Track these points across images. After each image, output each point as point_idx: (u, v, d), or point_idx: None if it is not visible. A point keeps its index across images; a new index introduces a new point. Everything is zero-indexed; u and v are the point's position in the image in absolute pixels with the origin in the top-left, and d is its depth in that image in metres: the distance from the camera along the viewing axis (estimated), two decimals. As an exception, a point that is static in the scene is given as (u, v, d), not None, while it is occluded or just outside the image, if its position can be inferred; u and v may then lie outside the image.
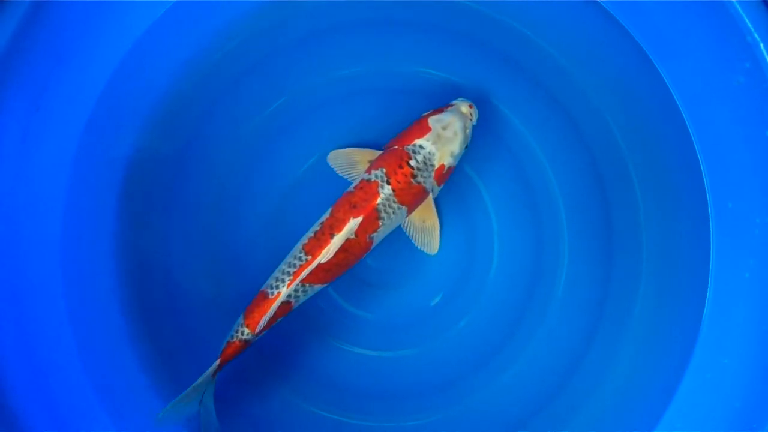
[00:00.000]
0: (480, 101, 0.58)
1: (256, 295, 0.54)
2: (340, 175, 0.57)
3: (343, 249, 0.53)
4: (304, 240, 0.53)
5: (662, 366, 0.53)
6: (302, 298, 0.54)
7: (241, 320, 0.53)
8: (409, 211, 0.55)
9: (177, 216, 0.59)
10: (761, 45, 0.47)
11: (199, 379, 0.51)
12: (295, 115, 0.60)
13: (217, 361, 0.52)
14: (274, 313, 0.53)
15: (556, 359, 0.58)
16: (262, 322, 0.52)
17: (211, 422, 0.53)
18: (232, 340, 0.53)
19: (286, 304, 0.53)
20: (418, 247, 0.58)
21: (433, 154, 0.53)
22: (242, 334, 0.53)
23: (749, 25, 0.47)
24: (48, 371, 0.52)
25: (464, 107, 0.55)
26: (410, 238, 0.57)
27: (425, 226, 0.57)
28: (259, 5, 0.56)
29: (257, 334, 0.53)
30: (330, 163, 0.58)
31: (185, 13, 0.54)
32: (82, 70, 0.53)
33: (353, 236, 0.52)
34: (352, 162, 0.57)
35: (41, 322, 0.53)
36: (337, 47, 0.58)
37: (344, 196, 0.54)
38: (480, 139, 0.59)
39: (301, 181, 0.60)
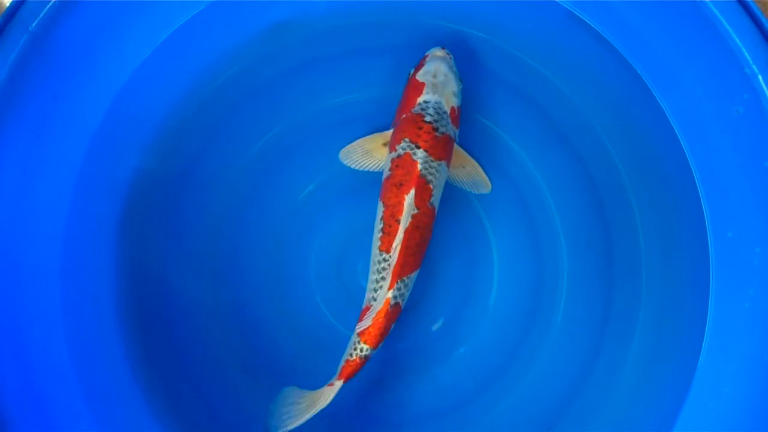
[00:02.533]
0: (477, 124, 0.59)
1: (362, 311, 0.53)
2: (359, 169, 0.57)
3: (414, 226, 0.52)
4: (377, 243, 0.53)
5: (662, 394, 0.53)
6: (406, 294, 0.53)
7: (356, 339, 0.53)
8: (448, 164, 0.55)
9: (177, 241, 0.59)
10: (759, 77, 0.47)
11: (324, 404, 0.51)
12: (293, 142, 0.60)
13: (341, 382, 0.52)
14: (388, 321, 0.52)
15: (557, 384, 0.58)
16: (380, 336, 0.52)
17: None
18: (352, 360, 0.53)
19: (395, 307, 0.53)
20: (476, 193, 0.59)
21: (440, 102, 0.54)
22: (362, 351, 0.53)
23: (747, 57, 0.47)
24: (46, 395, 0.52)
25: (439, 52, 0.55)
26: (463, 188, 0.58)
27: (467, 170, 0.58)
28: (256, 34, 0.56)
29: (375, 348, 0.53)
30: (345, 162, 0.58)
31: (184, 42, 0.54)
32: (82, 99, 0.53)
33: (416, 210, 0.52)
34: (366, 152, 0.57)
35: (40, 347, 0.53)
36: (333, 75, 0.59)
37: (385, 183, 0.54)
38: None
39: (300, 207, 0.61)
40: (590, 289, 0.58)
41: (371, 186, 0.57)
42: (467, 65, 0.59)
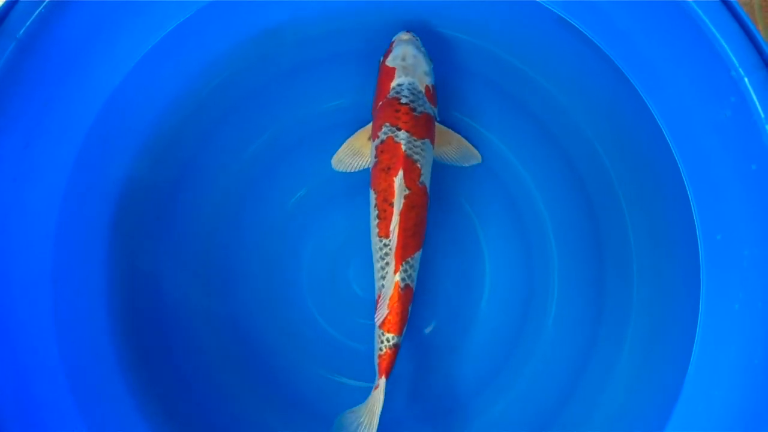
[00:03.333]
0: (466, 127, 0.59)
1: (377, 304, 0.53)
2: (354, 171, 0.57)
3: (408, 207, 0.52)
4: (375, 230, 0.53)
5: (654, 397, 0.53)
6: (414, 275, 0.53)
7: (379, 332, 0.53)
8: (432, 142, 0.55)
9: (168, 245, 0.59)
10: (746, 80, 0.47)
11: (379, 406, 0.52)
12: (285, 146, 0.60)
13: (383, 379, 0.52)
14: (403, 305, 0.53)
15: (549, 387, 0.58)
16: (400, 323, 0.53)
17: None
18: (383, 353, 0.53)
19: (406, 290, 0.53)
20: (467, 166, 0.58)
21: (413, 82, 0.54)
22: (389, 341, 0.53)
23: (734, 60, 0.47)
24: (37, 400, 0.52)
25: (404, 36, 0.56)
26: (454, 164, 0.58)
27: (453, 146, 0.58)
28: (248, 38, 0.56)
29: (401, 334, 0.53)
30: (338, 168, 0.58)
31: (173, 48, 0.54)
32: (73, 104, 0.53)
33: (407, 191, 0.52)
34: (355, 151, 0.57)
35: (31, 352, 0.52)
36: (322, 80, 0.59)
37: (373, 171, 0.54)
38: (471, 170, 0.59)
39: (292, 212, 0.61)
40: (581, 292, 0.58)
41: (363, 189, 0.57)
42: (458, 69, 0.59)
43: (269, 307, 0.60)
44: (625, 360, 0.55)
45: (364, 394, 0.59)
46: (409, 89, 0.54)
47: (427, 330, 0.60)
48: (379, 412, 0.52)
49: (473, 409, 0.59)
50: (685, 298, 0.52)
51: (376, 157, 0.54)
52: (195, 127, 0.58)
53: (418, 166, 0.53)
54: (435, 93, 0.56)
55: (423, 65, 0.55)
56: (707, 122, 0.50)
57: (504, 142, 0.60)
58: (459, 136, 0.58)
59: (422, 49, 0.55)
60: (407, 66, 0.54)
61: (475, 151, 0.59)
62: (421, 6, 0.57)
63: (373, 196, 0.54)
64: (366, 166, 0.57)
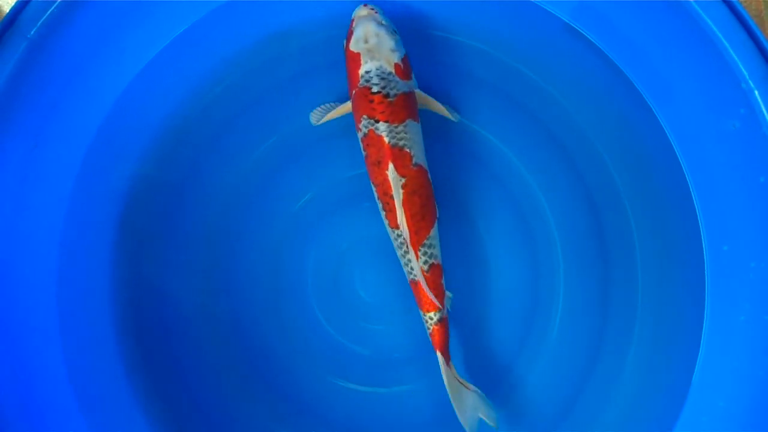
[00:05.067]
0: (476, 135, 0.59)
1: (412, 289, 0.55)
2: (325, 121, 0.57)
3: (409, 193, 0.52)
4: (386, 221, 0.54)
5: (657, 408, 0.53)
6: (436, 251, 0.54)
7: (421, 314, 0.55)
8: (416, 118, 0.54)
9: (173, 248, 0.59)
10: (756, 92, 0.47)
11: (449, 381, 0.54)
12: (291, 151, 0.60)
13: (439, 354, 0.54)
14: (434, 283, 0.54)
15: (552, 397, 0.58)
16: (436, 297, 0.54)
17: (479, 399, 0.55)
18: (431, 330, 0.54)
19: (435, 267, 0.54)
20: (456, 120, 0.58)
21: (381, 67, 0.52)
22: (433, 317, 0.54)
23: (744, 72, 0.47)
24: (41, 402, 0.52)
25: (362, 11, 0.53)
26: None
27: (437, 108, 0.56)
28: (255, 43, 0.56)
29: (442, 308, 0.54)
30: (313, 121, 0.57)
31: (181, 52, 0.54)
32: (81, 105, 0.53)
33: (403, 179, 0.52)
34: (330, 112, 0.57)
35: (36, 354, 0.53)
36: (328, 85, 0.59)
37: (366, 164, 0.54)
38: (476, 177, 0.59)
39: (297, 217, 0.61)
40: (586, 300, 0.58)
41: (369, 194, 0.57)
42: (463, 74, 0.59)
43: (274, 310, 0.60)
44: (629, 369, 0.55)
45: (369, 398, 0.59)
46: (378, 75, 0.52)
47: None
48: (450, 386, 0.54)
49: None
50: (690, 309, 0.52)
51: (364, 150, 0.54)
52: (201, 130, 0.58)
53: (407, 150, 0.52)
54: (408, 64, 0.53)
55: (387, 42, 0.52)
56: (716, 133, 0.50)
57: (510, 148, 0.60)
58: (436, 102, 0.56)
59: (384, 21, 0.53)
60: (371, 48, 0.52)
61: (451, 114, 0.57)
62: (427, 11, 0.57)
63: (374, 190, 0.54)
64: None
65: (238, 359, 0.59)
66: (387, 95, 0.52)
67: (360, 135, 0.54)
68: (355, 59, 0.53)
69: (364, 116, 0.52)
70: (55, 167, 0.53)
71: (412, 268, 0.53)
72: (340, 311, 0.60)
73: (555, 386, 0.58)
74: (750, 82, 0.47)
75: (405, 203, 0.52)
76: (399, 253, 0.54)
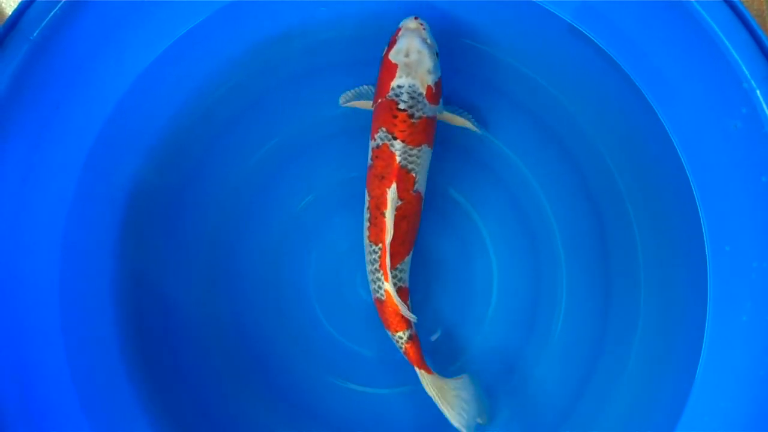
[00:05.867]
0: (478, 136, 0.59)
1: (376, 307, 0.55)
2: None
3: (400, 217, 0.52)
4: (366, 233, 0.54)
5: (659, 409, 0.53)
6: (406, 276, 0.54)
7: (390, 334, 0.54)
8: (431, 145, 0.54)
9: (175, 250, 0.59)
10: (758, 92, 0.47)
11: (435, 393, 0.53)
12: (292, 152, 0.60)
13: (419, 371, 0.54)
14: (403, 304, 0.53)
15: (554, 398, 0.58)
16: (403, 319, 0.53)
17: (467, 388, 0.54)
18: (404, 349, 0.54)
19: (402, 290, 0.54)
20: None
21: (414, 85, 0.51)
22: (403, 336, 0.54)
23: (746, 72, 0.47)
24: (43, 402, 0.52)
25: (411, 24, 0.52)
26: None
27: (462, 123, 0.56)
28: (256, 45, 0.56)
29: (410, 327, 0.54)
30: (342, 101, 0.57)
31: (183, 54, 0.54)
32: (83, 107, 0.53)
33: (400, 202, 0.52)
34: (354, 102, 0.56)
35: (38, 355, 0.53)
36: (330, 86, 0.59)
37: (369, 171, 0.54)
38: (480, 178, 0.59)
39: (299, 218, 0.61)
40: (588, 301, 0.58)
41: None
42: (466, 76, 0.59)
43: (275, 310, 0.60)
44: (630, 372, 0.55)
45: (371, 399, 0.59)
46: (408, 93, 0.51)
47: (434, 337, 0.60)
48: (434, 396, 0.53)
49: (480, 416, 0.59)
50: (692, 309, 0.52)
51: (371, 159, 0.54)
52: (203, 131, 0.58)
53: (413, 175, 0.52)
54: (440, 88, 0.53)
55: (427, 62, 0.51)
56: (718, 133, 0.50)
57: (513, 150, 0.60)
58: (461, 119, 0.56)
59: (429, 40, 0.52)
60: (410, 63, 0.51)
61: (476, 127, 0.57)
62: (431, 13, 0.57)
63: (367, 197, 0.54)
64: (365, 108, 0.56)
65: (239, 359, 0.59)
66: (411, 115, 0.51)
67: (372, 144, 0.53)
68: (390, 69, 0.52)
69: (383, 128, 0.52)
70: (58, 168, 0.53)
71: (379, 287, 0.53)
72: (342, 312, 0.60)
73: (557, 385, 0.58)
74: (752, 81, 0.47)
75: (394, 225, 0.52)
76: (369, 267, 0.54)
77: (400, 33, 0.52)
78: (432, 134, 0.54)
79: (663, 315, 0.55)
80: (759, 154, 0.49)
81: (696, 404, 0.51)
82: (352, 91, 0.56)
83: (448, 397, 0.53)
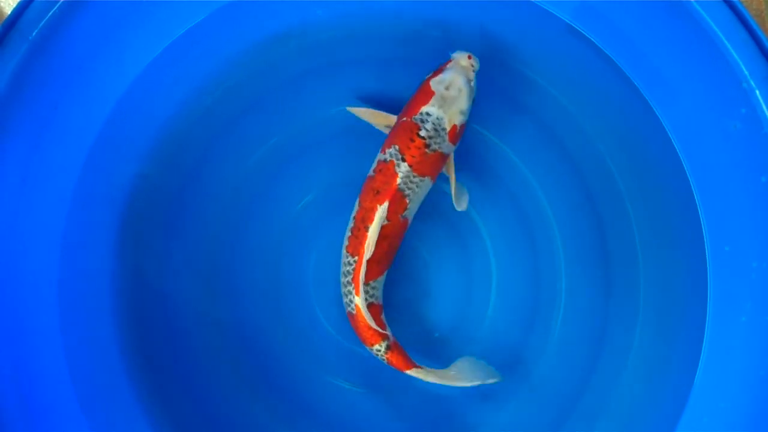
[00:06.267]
0: (477, 136, 0.59)
1: (350, 322, 0.55)
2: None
3: (382, 236, 0.52)
4: (346, 242, 0.54)
5: (659, 409, 0.53)
6: (378, 293, 0.54)
7: (369, 349, 0.55)
8: (433, 179, 0.54)
9: (175, 250, 0.59)
10: (757, 92, 0.47)
11: (437, 380, 0.54)
12: (291, 152, 0.60)
13: (411, 372, 0.54)
14: (372, 318, 0.53)
15: (554, 397, 0.58)
16: (377, 332, 0.53)
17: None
18: (386, 360, 0.54)
19: (374, 306, 0.54)
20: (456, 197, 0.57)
21: (442, 119, 0.51)
22: (381, 348, 0.54)
23: (745, 72, 0.47)
24: (42, 403, 0.52)
25: (463, 60, 0.53)
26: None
27: (451, 179, 0.56)
28: (255, 44, 0.56)
29: (386, 337, 0.54)
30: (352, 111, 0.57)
31: (182, 53, 0.54)
32: (82, 107, 0.53)
33: (386, 222, 0.52)
34: (369, 119, 0.56)
35: (37, 355, 0.53)
36: (330, 86, 0.59)
37: (367, 181, 0.54)
38: (479, 178, 0.59)
39: (298, 217, 0.61)
40: (588, 300, 0.58)
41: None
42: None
43: (275, 310, 0.60)
44: (630, 372, 0.55)
45: (370, 399, 0.59)
46: (434, 124, 0.51)
47: (436, 335, 0.60)
48: (451, 381, 0.54)
49: (482, 414, 0.59)
50: (692, 309, 0.52)
51: (374, 171, 0.54)
52: (203, 131, 0.58)
53: (407, 201, 0.53)
54: (462, 131, 0.53)
55: (462, 102, 0.52)
56: (717, 133, 0.50)
57: (512, 149, 0.60)
58: (454, 178, 0.56)
59: (473, 82, 0.52)
60: (447, 97, 0.51)
61: (458, 201, 0.57)
62: (430, 13, 0.57)
63: (356, 206, 0.54)
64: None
65: (238, 359, 0.59)
66: (428, 145, 0.52)
67: (380, 156, 0.53)
68: (426, 94, 0.52)
69: (396, 146, 0.52)
70: (57, 168, 0.53)
71: (351, 300, 0.53)
72: (342, 312, 0.60)
73: (557, 385, 0.58)
74: (751, 81, 0.47)
75: (378, 243, 0.52)
76: (342, 279, 0.54)
77: (449, 65, 0.53)
78: (438, 170, 0.54)
79: (662, 315, 0.55)
80: (758, 155, 0.49)
81: (696, 404, 0.51)
82: (364, 108, 0.57)
83: (451, 378, 0.54)
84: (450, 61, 0.53)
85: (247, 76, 0.57)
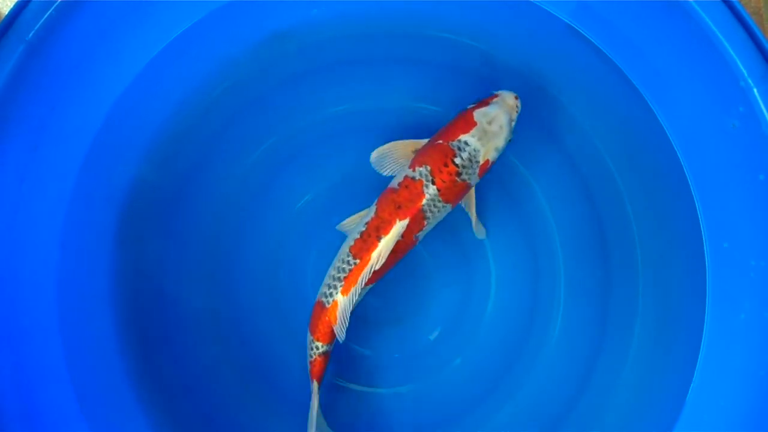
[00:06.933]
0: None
1: (314, 306, 0.54)
2: (384, 175, 0.55)
3: (393, 251, 0.52)
4: (350, 242, 0.53)
5: (658, 406, 0.53)
6: (358, 300, 0.54)
7: (310, 338, 0.54)
8: (453, 206, 0.54)
9: (174, 250, 0.59)
10: (755, 90, 0.47)
11: (312, 413, 0.54)
12: (291, 151, 0.60)
13: (314, 384, 0.54)
14: (340, 321, 0.53)
15: (553, 398, 0.58)
16: (332, 333, 0.53)
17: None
18: (312, 359, 0.54)
19: (346, 309, 0.53)
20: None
21: (478, 151, 0.52)
22: (318, 349, 0.54)
23: (743, 70, 0.47)
24: (41, 403, 0.52)
25: (510, 99, 0.53)
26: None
27: (471, 212, 0.56)
28: (253, 44, 0.56)
29: (330, 343, 0.54)
30: (374, 166, 0.55)
31: (180, 53, 0.54)
32: (80, 108, 0.53)
33: (401, 239, 0.52)
34: (394, 158, 0.55)
35: (36, 356, 0.52)
36: (329, 85, 0.59)
37: (388, 192, 0.53)
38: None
39: (297, 217, 0.61)
40: (587, 299, 0.59)
41: (369, 195, 0.57)
42: (464, 75, 0.59)
43: (274, 310, 0.60)
44: (629, 370, 0.56)
45: (370, 398, 0.59)
46: (470, 155, 0.52)
47: (432, 336, 0.60)
48: (315, 415, 0.53)
49: (479, 415, 0.59)
50: (691, 307, 0.52)
51: (399, 184, 0.53)
52: (202, 131, 0.58)
53: (425, 222, 0.53)
54: (490, 168, 0.54)
55: (501, 140, 0.52)
56: (715, 132, 0.50)
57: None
58: (474, 210, 0.56)
59: (513, 123, 0.53)
60: (488, 131, 0.52)
61: (481, 229, 0.58)
62: (429, 12, 0.57)
63: (372, 210, 0.53)
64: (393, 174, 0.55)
65: (237, 357, 0.59)
66: (459, 174, 0.52)
67: (408, 172, 0.53)
68: (468, 123, 0.52)
69: (428, 166, 0.52)
70: (55, 169, 0.53)
71: (331, 294, 0.53)
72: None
73: (556, 384, 0.58)
74: (749, 80, 0.47)
75: (384, 253, 0.52)
76: (331, 271, 0.53)
77: (495, 99, 0.53)
78: (460, 200, 0.54)
79: (661, 313, 0.55)
80: (756, 153, 0.49)
81: (695, 402, 0.51)
82: (388, 144, 0.55)
83: (313, 413, 0.54)
84: (496, 96, 0.54)
85: (245, 75, 0.57)
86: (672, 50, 0.50)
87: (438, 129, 0.59)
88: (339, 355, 0.60)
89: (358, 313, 0.60)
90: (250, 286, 0.60)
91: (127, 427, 0.54)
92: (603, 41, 0.52)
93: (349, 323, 0.59)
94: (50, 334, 0.53)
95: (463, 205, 0.56)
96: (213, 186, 0.59)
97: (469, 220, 0.59)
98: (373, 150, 0.55)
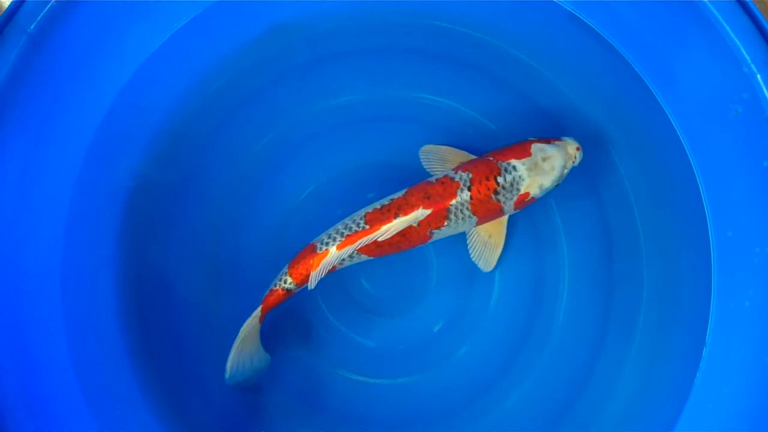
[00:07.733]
0: (479, 125, 0.58)
1: (304, 247, 0.54)
2: (426, 168, 0.57)
3: (401, 232, 0.52)
4: (369, 209, 0.53)
5: (663, 395, 0.53)
6: (347, 263, 0.54)
7: (285, 269, 0.54)
8: (479, 222, 0.55)
9: (177, 244, 0.59)
10: (758, 76, 0.47)
11: (244, 329, 0.53)
12: (294, 143, 0.60)
13: (259, 309, 0.54)
14: (319, 271, 0.53)
15: (557, 387, 0.58)
16: (306, 277, 0.53)
17: (262, 359, 0.55)
18: (275, 288, 0.54)
19: (333, 267, 0.53)
20: (472, 259, 0.58)
21: (523, 179, 0.53)
22: (285, 282, 0.54)
23: (746, 56, 0.47)
24: (47, 398, 0.52)
25: (571, 147, 0.54)
26: (468, 246, 0.57)
27: (489, 241, 0.57)
28: (254, 37, 0.56)
29: (300, 285, 0.54)
30: (420, 157, 0.57)
31: (183, 46, 0.54)
32: (82, 101, 0.53)
33: (415, 224, 0.52)
34: (443, 159, 0.57)
35: (41, 352, 0.52)
36: (334, 75, 0.59)
37: (423, 183, 0.54)
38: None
39: (300, 209, 0.61)
40: (591, 289, 0.58)
41: (373, 186, 0.58)
42: (467, 65, 0.59)
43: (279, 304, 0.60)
44: (634, 359, 0.55)
45: (374, 389, 0.59)
46: (514, 180, 0.53)
47: (436, 328, 0.60)
48: (241, 336, 0.53)
49: (482, 407, 0.59)
50: (695, 295, 0.52)
51: (437, 179, 0.54)
52: (204, 124, 0.58)
53: (446, 223, 0.53)
54: (529, 204, 0.55)
55: (548, 180, 0.53)
56: (719, 118, 0.50)
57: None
58: (502, 244, 0.57)
59: (566, 171, 0.54)
60: (540, 167, 0.53)
61: (493, 262, 0.58)
62: (429, 2, 0.57)
63: (401, 192, 0.54)
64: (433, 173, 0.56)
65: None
66: (497, 192, 0.53)
67: (450, 172, 0.54)
68: (524, 151, 0.53)
69: (470, 174, 0.53)
70: (58, 163, 0.53)
71: (327, 244, 0.53)
72: (345, 303, 0.60)
73: (559, 376, 0.58)
74: (752, 66, 0.47)
75: (393, 234, 0.52)
76: (337, 227, 0.53)
77: (558, 142, 0.54)
78: (487, 220, 0.55)
79: (665, 302, 0.55)
80: (760, 139, 0.49)
81: (700, 392, 0.51)
82: (444, 146, 0.57)
83: (244, 345, 0.54)
84: (560, 140, 0.54)
85: (247, 68, 0.57)
86: (675, 37, 0.50)
87: (438, 121, 0.60)
88: (343, 346, 0.60)
89: (362, 304, 0.60)
90: (253, 278, 0.59)
91: (132, 419, 0.54)
92: (605, 28, 0.52)
93: (353, 314, 0.60)
94: (54, 326, 0.53)
95: (488, 237, 0.57)
96: (216, 178, 0.59)
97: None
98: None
